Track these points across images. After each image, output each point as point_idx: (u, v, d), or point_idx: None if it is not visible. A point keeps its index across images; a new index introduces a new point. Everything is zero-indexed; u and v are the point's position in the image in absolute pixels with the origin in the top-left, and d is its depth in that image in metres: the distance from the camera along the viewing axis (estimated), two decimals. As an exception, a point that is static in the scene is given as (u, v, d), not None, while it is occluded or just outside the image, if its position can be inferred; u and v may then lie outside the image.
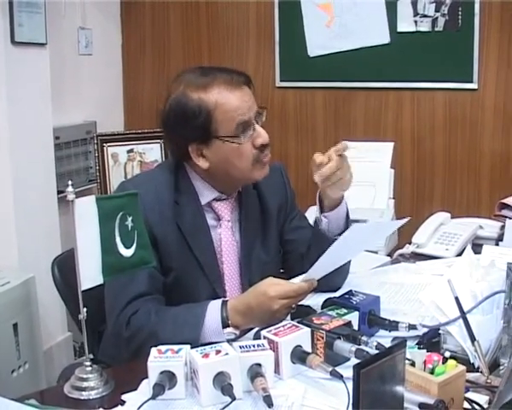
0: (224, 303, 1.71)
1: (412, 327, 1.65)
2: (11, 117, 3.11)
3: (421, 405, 1.21)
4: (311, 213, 2.98)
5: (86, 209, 1.45)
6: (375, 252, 2.56)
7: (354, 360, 1.45)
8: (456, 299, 1.54)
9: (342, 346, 1.50)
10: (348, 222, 1.95)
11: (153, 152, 3.84)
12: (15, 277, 3.05)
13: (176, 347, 1.45)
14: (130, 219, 1.52)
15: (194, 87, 1.84)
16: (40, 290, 3.10)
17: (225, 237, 1.95)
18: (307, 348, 1.50)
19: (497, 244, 2.42)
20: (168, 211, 1.87)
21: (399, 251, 2.52)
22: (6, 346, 2.92)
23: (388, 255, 2.60)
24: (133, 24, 4.29)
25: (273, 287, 1.65)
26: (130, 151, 3.82)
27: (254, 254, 1.99)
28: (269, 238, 2.04)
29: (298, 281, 1.70)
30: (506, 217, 2.56)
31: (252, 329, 1.68)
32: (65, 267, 2.12)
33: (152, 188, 1.89)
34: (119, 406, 1.40)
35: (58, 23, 3.62)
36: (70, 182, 1.44)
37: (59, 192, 3.42)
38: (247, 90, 1.87)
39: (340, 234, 1.87)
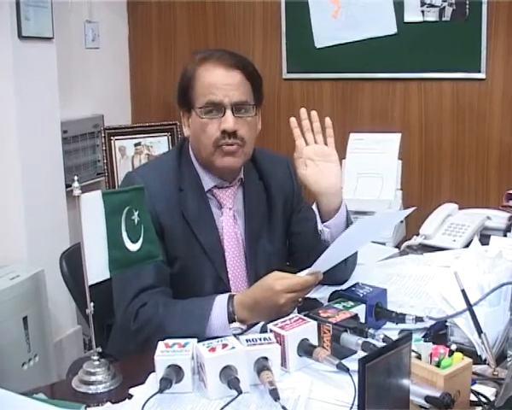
0: (231, 298, 1.71)
1: (419, 319, 1.64)
2: (19, 111, 3.12)
3: (427, 398, 1.21)
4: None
5: (92, 204, 1.45)
6: (383, 243, 2.56)
7: (361, 353, 1.45)
8: (463, 291, 1.53)
9: (349, 339, 1.50)
10: (348, 226, 1.93)
11: (160, 145, 3.84)
12: (25, 270, 3.07)
13: (183, 341, 1.45)
14: (136, 213, 1.52)
15: (195, 59, 1.93)
16: (49, 284, 3.12)
17: (227, 225, 1.96)
18: (314, 341, 1.50)
19: (505, 235, 2.42)
20: (173, 198, 1.89)
21: (407, 243, 2.52)
22: (16, 339, 2.95)
23: (396, 247, 2.60)
24: (140, 17, 4.29)
25: (279, 281, 1.66)
26: (137, 144, 3.82)
27: (259, 244, 2.00)
28: (274, 229, 2.05)
29: (304, 274, 1.70)
30: (514, 208, 2.55)
31: (258, 322, 1.69)
32: (73, 261, 2.13)
33: (157, 176, 1.92)
34: (127, 399, 1.41)
35: (65, 17, 3.63)
36: (76, 177, 1.44)
37: (67, 186, 3.44)
38: (236, 75, 1.88)
39: None
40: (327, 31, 3.81)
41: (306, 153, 1.95)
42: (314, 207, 1.96)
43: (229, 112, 1.86)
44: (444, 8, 3.58)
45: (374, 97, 3.82)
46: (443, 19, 3.59)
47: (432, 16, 3.61)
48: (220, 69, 1.87)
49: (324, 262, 1.69)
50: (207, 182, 1.94)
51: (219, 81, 1.86)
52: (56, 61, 3.36)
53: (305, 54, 3.91)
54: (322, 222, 1.92)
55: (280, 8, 3.91)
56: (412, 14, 3.65)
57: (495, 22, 3.50)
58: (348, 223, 1.94)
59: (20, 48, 3.11)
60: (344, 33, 3.78)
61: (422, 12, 3.63)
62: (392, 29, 3.70)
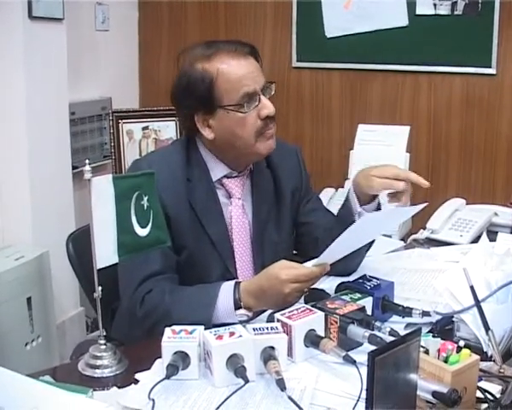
0: (237, 285, 1.71)
1: (426, 314, 1.64)
2: (27, 92, 3.12)
3: (434, 393, 1.20)
4: (326, 195, 3.00)
5: (103, 188, 1.45)
6: (389, 236, 2.56)
7: (367, 346, 1.45)
8: (472, 288, 1.53)
9: (356, 331, 1.50)
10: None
11: (168, 130, 3.83)
12: (30, 251, 3.08)
13: (190, 327, 1.45)
14: (145, 198, 1.52)
15: (199, 58, 1.86)
16: (54, 265, 3.12)
17: (236, 214, 1.95)
18: (320, 332, 1.50)
19: (512, 232, 2.42)
20: (181, 189, 1.88)
21: (413, 236, 2.52)
22: (20, 319, 2.96)
23: (402, 240, 2.60)
24: (150, 0, 4.27)
25: (285, 270, 1.65)
26: (145, 128, 3.81)
27: (266, 233, 1.99)
28: (282, 219, 2.04)
29: (310, 265, 1.70)
30: (522, 205, 2.55)
31: (265, 311, 1.69)
32: (80, 244, 2.14)
33: (165, 166, 1.90)
34: (133, 384, 1.41)
35: (75, -2, 3.61)
36: (87, 161, 1.44)
37: (73, 167, 3.44)
38: (253, 61, 1.87)
39: None
40: (338, 21, 3.79)
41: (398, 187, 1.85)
42: (351, 192, 1.93)
43: (263, 97, 1.85)
44: (456, 1, 3.56)
45: (383, 89, 3.81)
46: (455, 13, 3.57)
47: (444, 10, 3.59)
48: (241, 60, 1.84)
49: (331, 254, 1.68)
50: (217, 172, 1.93)
51: (245, 71, 1.83)
52: (66, 43, 3.35)
53: (316, 43, 3.89)
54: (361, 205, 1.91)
55: (292, -4, 3.90)
56: (424, 7, 3.63)
57: (507, 18, 3.48)
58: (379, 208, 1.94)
59: (30, 28, 3.10)
60: (355, 24, 3.77)
61: (434, 5, 3.60)
62: (403, 21, 3.68)
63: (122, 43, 4.19)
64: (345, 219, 1.90)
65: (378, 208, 1.94)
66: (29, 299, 3.00)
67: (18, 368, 1.32)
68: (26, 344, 2.99)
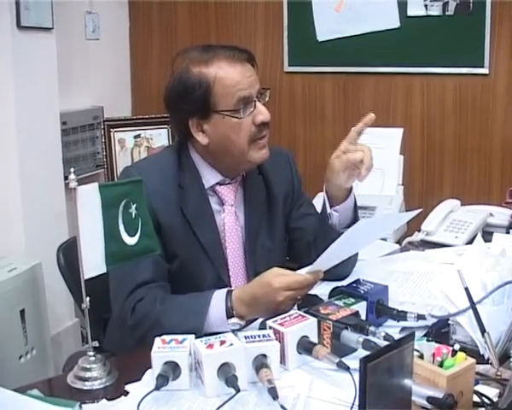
0: (229, 293, 1.69)
1: (421, 317, 1.62)
2: (18, 102, 3.09)
3: (429, 398, 1.18)
4: (320, 200, 2.97)
5: (89, 197, 1.42)
6: (384, 239, 2.53)
7: (361, 351, 1.43)
8: (466, 290, 1.51)
9: (349, 336, 1.47)
10: (356, 212, 1.92)
11: (160, 137, 3.82)
12: (22, 263, 3.05)
13: (180, 337, 1.43)
14: (134, 206, 1.49)
15: (196, 62, 1.83)
16: (47, 276, 3.09)
17: (229, 221, 1.93)
18: (313, 338, 1.47)
19: (507, 232, 2.38)
20: (172, 195, 1.86)
21: (408, 239, 2.49)
22: (13, 332, 2.92)
23: (397, 242, 2.58)
24: (140, 8, 4.26)
25: (278, 278, 1.63)
26: (137, 136, 3.80)
27: (259, 240, 1.97)
28: (274, 225, 2.02)
29: (304, 272, 1.67)
30: (517, 205, 2.53)
31: (257, 319, 1.66)
32: (70, 254, 2.11)
33: (156, 172, 1.88)
34: (123, 396, 1.38)
35: (65, 7, 3.59)
36: (72, 169, 1.42)
37: (65, 178, 3.41)
38: (249, 67, 1.85)
39: (349, 225, 1.85)
40: (329, 24, 3.79)
41: (354, 158, 1.81)
42: (324, 193, 1.91)
43: (258, 103, 1.83)
44: (447, 2, 3.55)
45: (376, 91, 3.80)
46: (446, 13, 3.57)
47: (435, 10, 3.59)
48: (238, 66, 1.82)
49: (325, 261, 1.66)
50: (209, 179, 1.91)
51: (242, 76, 1.81)
52: (56, 52, 3.33)
53: (307, 47, 3.89)
54: (331, 207, 1.89)
55: (282, 0, 3.87)
56: (415, 9, 3.62)
57: (499, 17, 3.48)
58: (356, 209, 1.92)
59: (19, 38, 3.07)
60: (346, 27, 3.76)
61: (426, 6, 3.60)
62: (395, 23, 3.67)
63: (113, 52, 4.18)
64: (322, 222, 1.91)
65: (355, 210, 1.92)
66: (22, 311, 2.96)
67: (12, 381, 1.30)
68: (20, 357, 2.95)
